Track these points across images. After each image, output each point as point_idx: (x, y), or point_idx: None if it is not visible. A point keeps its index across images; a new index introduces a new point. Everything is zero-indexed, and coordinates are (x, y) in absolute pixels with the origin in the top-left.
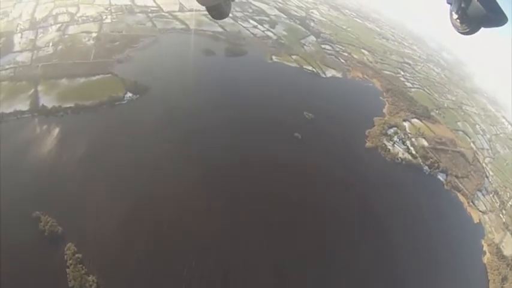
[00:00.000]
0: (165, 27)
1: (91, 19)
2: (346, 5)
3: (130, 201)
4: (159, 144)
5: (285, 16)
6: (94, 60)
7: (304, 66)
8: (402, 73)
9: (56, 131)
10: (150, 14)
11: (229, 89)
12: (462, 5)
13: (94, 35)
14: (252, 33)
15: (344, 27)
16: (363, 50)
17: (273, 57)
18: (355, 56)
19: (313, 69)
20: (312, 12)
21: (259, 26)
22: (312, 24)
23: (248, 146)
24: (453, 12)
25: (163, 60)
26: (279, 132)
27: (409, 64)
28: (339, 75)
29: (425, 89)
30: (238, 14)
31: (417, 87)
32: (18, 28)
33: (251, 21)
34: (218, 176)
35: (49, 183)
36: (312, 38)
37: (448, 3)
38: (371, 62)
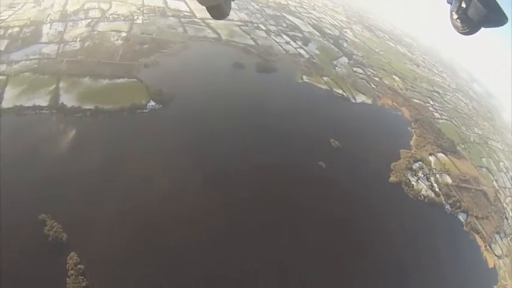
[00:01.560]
0: (197, 34)
1: (122, 18)
2: (379, 27)
3: (141, 218)
4: (176, 161)
5: (319, 34)
6: (120, 62)
7: (335, 89)
8: (431, 102)
9: (73, 132)
10: (183, 19)
11: (255, 109)
12: (462, 5)
13: (123, 34)
14: (284, 50)
15: (377, 50)
16: (394, 76)
17: (304, 77)
18: (386, 82)
19: (344, 93)
20: (345, 32)
21: (291, 42)
22: (345, 44)
23: (269, 172)
24: (453, 12)
25: (191, 69)
26: (303, 159)
27: (439, 93)
28: (369, 101)
29: (453, 121)
30: (272, 28)
31: (445, 119)
32: (48, 18)
33: (284, 36)
34: (234, 203)
35: (59, 186)
36: (344, 59)
37: (448, 3)
38: (401, 89)
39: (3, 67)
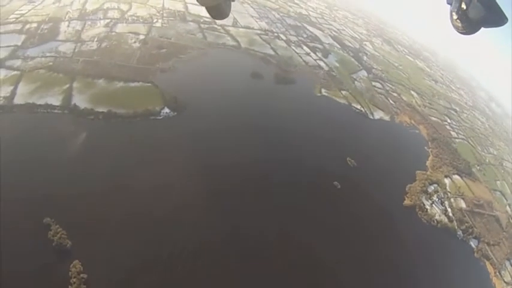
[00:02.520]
0: (216, 41)
1: (141, 20)
2: (399, 40)
3: (148, 229)
4: (186, 173)
5: (339, 46)
6: (136, 65)
7: (353, 104)
8: (449, 121)
9: (83, 135)
10: (202, 25)
11: (271, 123)
12: (462, 5)
13: (141, 37)
14: (304, 61)
15: (396, 64)
16: (412, 92)
17: (323, 90)
18: (404, 98)
19: (362, 109)
20: (365, 45)
21: (311, 54)
22: (365, 57)
23: (282, 191)
24: (453, 13)
25: (208, 77)
26: (318, 178)
27: (456, 111)
28: (387, 118)
29: (469, 141)
30: (293, 38)
31: (462, 138)
32: (67, 16)
33: (304, 47)
34: (243, 219)
35: (66, 190)
36: (364, 73)
37: (448, 3)
38: (419, 106)
39: (18, 62)
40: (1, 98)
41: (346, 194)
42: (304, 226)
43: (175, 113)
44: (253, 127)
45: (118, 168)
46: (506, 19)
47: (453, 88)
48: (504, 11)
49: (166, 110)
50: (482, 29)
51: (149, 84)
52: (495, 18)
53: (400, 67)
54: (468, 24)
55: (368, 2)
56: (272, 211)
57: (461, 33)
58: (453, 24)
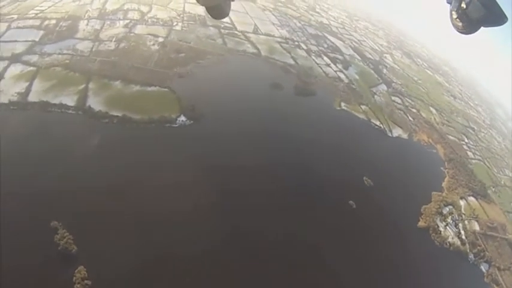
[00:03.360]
0: (236, 47)
1: (161, 22)
2: (419, 53)
3: (155, 240)
4: (197, 186)
5: (359, 58)
6: (154, 68)
7: (372, 120)
8: (466, 140)
9: (96, 139)
10: (223, 30)
11: (289, 136)
12: (462, 5)
13: (160, 40)
14: (324, 72)
15: (415, 78)
16: (431, 108)
17: (342, 104)
18: (423, 115)
19: (381, 125)
20: (385, 57)
21: (332, 65)
22: (385, 70)
23: (297, 207)
24: (453, 12)
25: (226, 85)
26: (334, 196)
27: (473, 130)
28: (405, 135)
29: (486, 162)
30: (313, 48)
31: (478, 159)
32: (86, 15)
33: (325, 57)
34: (255, 239)
35: (75, 195)
36: (383, 87)
37: (448, 3)
38: (437, 124)
39: (35, 58)
40: (15, 94)
41: (360, 214)
42: (316, 244)
43: (192, 122)
44: (270, 142)
45: (129, 174)
46: (506, 18)
47: (471, 105)
48: (504, 11)
49: (183, 118)
50: (482, 28)
51: (166, 90)
52: (495, 18)
53: (420, 81)
54: (468, 23)
55: (368, 2)
56: (285, 227)
57: (461, 32)
58: (453, 24)
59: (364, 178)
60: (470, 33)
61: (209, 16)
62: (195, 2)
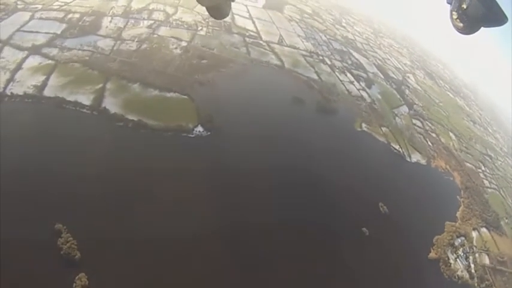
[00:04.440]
0: (260, 58)
1: (185, 25)
2: (441, 74)
3: (161, 262)
4: (209, 204)
5: (382, 76)
6: (175, 73)
7: (392, 144)
8: (483, 168)
9: (109, 142)
10: (247, 39)
11: (305, 157)
12: (462, 5)
13: (183, 44)
14: (347, 90)
15: (437, 100)
16: (450, 133)
17: (363, 124)
18: (442, 140)
19: (400, 150)
20: (408, 77)
21: (355, 83)
22: (407, 91)
23: (308, 231)
24: (453, 12)
25: (247, 97)
26: (347, 222)
27: (491, 157)
28: (424, 161)
29: (501, 191)
30: (337, 64)
31: (494, 188)
32: (110, 11)
33: (348, 74)
34: (265, 260)
35: (82, 199)
36: (405, 108)
37: (448, 3)
38: (456, 150)
39: (55, 51)
40: (31, 87)
41: (372, 241)
42: (324, 270)
43: (209, 133)
44: (286, 162)
45: (139, 183)
46: (506, 19)
47: (490, 131)
48: (504, 11)
49: (200, 128)
50: (482, 28)
51: (185, 97)
52: (495, 18)
53: (441, 104)
54: (468, 23)
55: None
56: (293, 250)
57: (461, 32)
58: (453, 24)
59: (380, 204)
60: (471, 33)
61: (212, 17)
62: (197, 1)
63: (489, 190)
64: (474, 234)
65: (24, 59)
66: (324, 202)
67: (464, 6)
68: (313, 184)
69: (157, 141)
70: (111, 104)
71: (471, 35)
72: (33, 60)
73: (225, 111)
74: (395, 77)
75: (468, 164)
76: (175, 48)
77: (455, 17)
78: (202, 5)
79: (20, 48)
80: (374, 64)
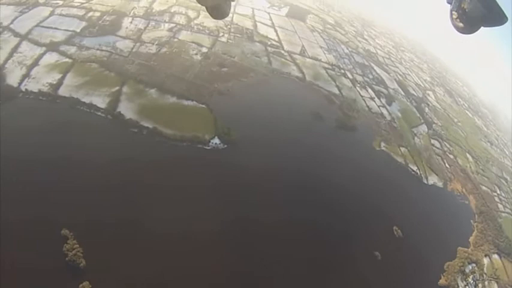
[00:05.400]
0: (281, 69)
1: (207, 31)
2: (460, 92)
3: (176, 277)
4: (217, 216)
5: (403, 93)
6: (193, 81)
7: (410, 165)
8: (498, 191)
9: (122, 149)
10: (269, 48)
11: (322, 176)
12: (462, 5)
13: (204, 50)
14: (368, 106)
15: (455, 120)
16: (468, 155)
17: (382, 143)
18: (459, 162)
19: (418, 171)
20: (428, 94)
21: (376, 99)
22: (427, 109)
23: (319, 253)
24: (453, 12)
25: (266, 110)
26: (360, 245)
27: (506, 181)
28: (440, 184)
29: None
30: (359, 78)
31: (508, 213)
32: (132, 12)
33: (369, 90)
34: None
35: (91, 206)
36: (424, 128)
37: (448, 2)
38: (473, 173)
39: (73, 49)
40: (46, 85)
41: (383, 267)
42: None
43: (225, 147)
44: (302, 180)
45: (152, 195)
46: (506, 18)
47: (507, 153)
48: (504, 11)
49: (217, 140)
50: (482, 28)
51: (203, 106)
52: (495, 18)
53: (459, 124)
54: (468, 23)
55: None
56: (301, 271)
57: (461, 32)
58: (453, 24)
59: (395, 228)
60: (471, 33)
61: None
62: (197, 1)
63: (503, 214)
64: (485, 260)
65: (41, 55)
66: (337, 223)
67: (464, 6)
68: (327, 205)
69: (171, 152)
70: (126, 109)
71: (471, 35)
72: (51, 57)
73: (243, 124)
74: (415, 94)
75: (484, 187)
76: (196, 54)
77: (455, 16)
78: (203, 4)
79: (38, 43)
80: (395, 80)
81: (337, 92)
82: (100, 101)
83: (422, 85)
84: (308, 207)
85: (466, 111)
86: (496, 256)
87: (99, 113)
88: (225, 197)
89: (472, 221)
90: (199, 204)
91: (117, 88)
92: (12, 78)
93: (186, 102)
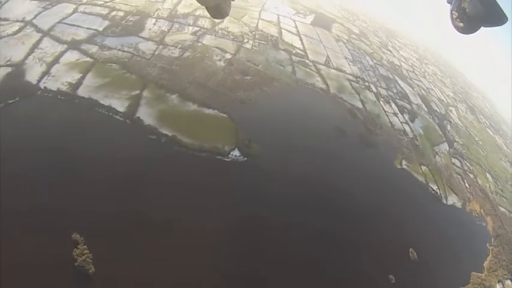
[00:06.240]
0: (305, 79)
1: (231, 36)
2: (481, 109)
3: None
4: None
5: (426, 109)
6: (216, 88)
7: (430, 184)
8: None
9: (138, 156)
10: (294, 57)
11: (340, 193)
12: (462, 5)
13: (228, 56)
14: (391, 122)
15: (476, 138)
16: (487, 175)
17: (403, 162)
18: (479, 181)
19: (438, 191)
20: (450, 111)
21: (399, 115)
22: (449, 127)
23: (330, 276)
24: (453, 12)
25: (289, 122)
26: (375, 268)
27: None
28: (459, 204)
29: None
30: (383, 92)
31: None
32: (156, 13)
33: (393, 105)
34: None
35: (102, 212)
36: (445, 146)
37: (448, 2)
38: (492, 193)
39: (94, 49)
40: (66, 84)
41: None
42: None
43: (245, 159)
44: (319, 198)
45: (165, 204)
46: (506, 18)
47: None
48: (504, 11)
49: (237, 152)
50: (482, 28)
51: (225, 116)
52: (495, 18)
53: (480, 142)
54: (468, 23)
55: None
56: None
57: (461, 32)
58: (453, 23)
59: (411, 250)
60: (471, 33)
61: (212, 17)
62: (197, 1)
63: None
64: (498, 286)
65: (62, 53)
66: (354, 242)
67: (465, 5)
68: (345, 224)
69: (189, 162)
70: (145, 114)
71: (471, 34)
72: (71, 56)
73: (265, 136)
74: (438, 110)
75: (502, 208)
76: (219, 60)
77: (455, 16)
78: (203, 4)
79: (59, 41)
80: (418, 94)
81: (360, 106)
82: (119, 104)
83: (445, 101)
84: (324, 226)
85: (487, 129)
86: (509, 282)
87: (118, 117)
88: (241, 212)
89: (488, 244)
90: (215, 220)
91: (137, 92)
92: (32, 75)
93: (207, 111)
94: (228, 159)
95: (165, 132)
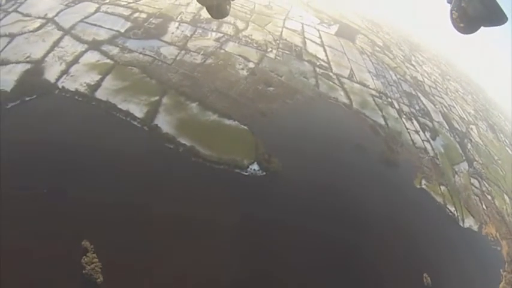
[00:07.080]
0: (328, 93)
1: (255, 44)
2: (501, 127)
3: None
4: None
5: (447, 127)
6: (237, 98)
7: (448, 205)
8: None
9: (156, 165)
10: (318, 69)
11: (357, 214)
12: (462, 4)
13: (251, 65)
14: (412, 140)
15: (496, 157)
16: (505, 196)
17: (423, 181)
18: (496, 203)
19: (455, 212)
20: (471, 129)
21: (420, 133)
22: (469, 145)
23: None
24: (453, 12)
25: (310, 137)
26: None
27: None
28: (475, 227)
29: None
30: (405, 109)
31: None
32: (179, 17)
33: (415, 122)
34: None
35: (121, 217)
36: (465, 165)
37: (448, 2)
38: (508, 215)
39: (115, 50)
40: (84, 85)
41: None
42: None
43: (264, 174)
44: (335, 219)
45: (180, 220)
46: (506, 18)
47: None
48: (504, 11)
49: (256, 166)
50: (482, 27)
51: (245, 128)
52: (495, 17)
53: (499, 161)
54: (468, 23)
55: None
56: None
57: (461, 32)
58: (453, 23)
59: (425, 275)
60: (471, 32)
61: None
62: (197, 1)
63: None
64: None
65: (82, 53)
66: (370, 264)
67: (465, 5)
68: (361, 244)
69: (206, 174)
70: (164, 122)
71: (471, 34)
72: (91, 56)
73: (285, 151)
74: (459, 129)
75: None
76: (242, 68)
77: (455, 16)
78: (203, 4)
79: (80, 40)
80: (440, 112)
81: (383, 122)
82: (137, 109)
83: (466, 119)
84: (341, 246)
85: (507, 148)
86: None
87: (135, 123)
88: (257, 227)
89: (501, 270)
90: (230, 234)
91: (156, 98)
92: (51, 73)
93: (227, 121)
94: (247, 173)
95: (183, 141)
